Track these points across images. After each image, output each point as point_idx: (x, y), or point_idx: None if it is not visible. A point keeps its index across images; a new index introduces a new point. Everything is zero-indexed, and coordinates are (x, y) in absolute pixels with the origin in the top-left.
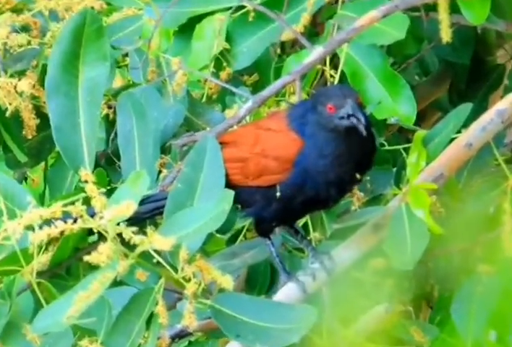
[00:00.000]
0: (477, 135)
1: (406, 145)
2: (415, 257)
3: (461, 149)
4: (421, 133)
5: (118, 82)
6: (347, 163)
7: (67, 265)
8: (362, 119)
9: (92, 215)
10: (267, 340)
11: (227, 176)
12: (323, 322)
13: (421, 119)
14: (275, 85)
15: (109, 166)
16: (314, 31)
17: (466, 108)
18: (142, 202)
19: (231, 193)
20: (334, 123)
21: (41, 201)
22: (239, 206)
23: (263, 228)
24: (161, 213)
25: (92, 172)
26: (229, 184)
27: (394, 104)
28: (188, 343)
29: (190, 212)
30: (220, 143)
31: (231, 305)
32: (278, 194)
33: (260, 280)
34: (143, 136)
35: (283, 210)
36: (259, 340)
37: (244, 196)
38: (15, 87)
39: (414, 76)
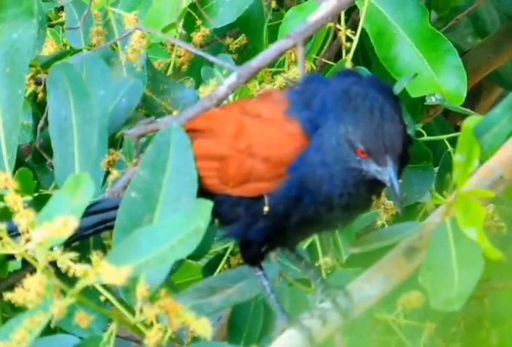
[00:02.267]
0: None
1: (453, 135)
2: (464, 293)
3: None
4: (473, 119)
5: (49, 48)
6: None
7: None
8: (397, 189)
9: (14, 234)
10: None
11: (199, 179)
12: None
13: (474, 99)
14: (268, 52)
15: (37, 164)
16: None
17: None
18: (82, 214)
19: (209, 204)
20: (360, 168)
21: None
22: (216, 221)
23: (251, 254)
24: (110, 228)
25: (14, 173)
26: (202, 190)
27: (436, 77)
28: None
29: (151, 231)
30: (191, 130)
31: None
32: (265, 208)
33: (249, 325)
34: (85, 124)
35: (275, 230)
36: None
37: (223, 209)
38: None
39: (466, 37)
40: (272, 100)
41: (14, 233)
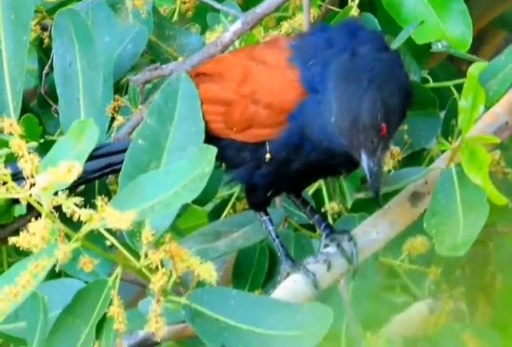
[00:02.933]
0: None
1: (459, 81)
2: (469, 239)
3: None
4: (478, 66)
5: None
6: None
7: None
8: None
9: (18, 178)
10: None
11: (205, 123)
12: (342, 326)
13: (478, 43)
14: None
15: (43, 110)
16: None
17: None
18: (88, 157)
19: (213, 150)
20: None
21: None
22: (223, 165)
23: (256, 199)
24: (115, 172)
25: (19, 119)
26: (209, 135)
27: (441, 23)
28: None
29: (156, 176)
30: (200, 74)
31: (213, 304)
32: (267, 155)
33: (254, 270)
34: (90, 70)
35: (278, 175)
36: None
37: (228, 153)
38: None
39: None
40: (278, 47)
41: (18, 176)
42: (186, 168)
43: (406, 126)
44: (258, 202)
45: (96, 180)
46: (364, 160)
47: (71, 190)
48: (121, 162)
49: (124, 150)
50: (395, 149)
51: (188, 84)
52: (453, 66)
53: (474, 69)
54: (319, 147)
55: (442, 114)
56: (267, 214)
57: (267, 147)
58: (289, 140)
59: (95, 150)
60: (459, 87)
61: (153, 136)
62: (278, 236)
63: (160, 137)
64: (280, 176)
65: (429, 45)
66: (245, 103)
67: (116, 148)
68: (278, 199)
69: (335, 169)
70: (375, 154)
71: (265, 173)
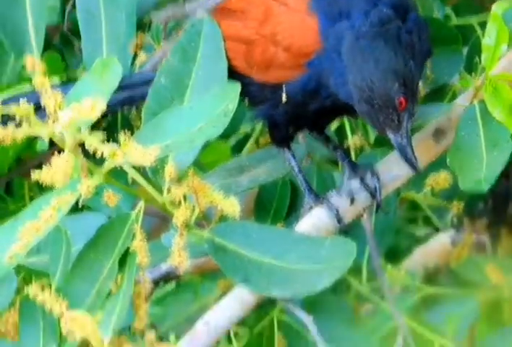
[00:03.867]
0: None
1: (481, 18)
2: (492, 174)
3: None
4: (501, 4)
5: None
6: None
7: (7, 182)
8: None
9: (43, 117)
10: (287, 285)
11: (228, 60)
12: (364, 259)
13: None
14: None
15: (65, 47)
16: None
17: None
18: None
19: (237, 87)
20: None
21: None
22: (247, 101)
23: (278, 134)
24: (136, 104)
25: (42, 56)
26: (232, 72)
27: None
28: (176, 286)
29: (180, 112)
30: (224, 9)
31: (236, 238)
32: (284, 98)
33: (276, 204)
34: (112, 8)
35: (296, 115)
36: (277, 286)
37: (251, 90)
38: None
39: None
40: None
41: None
42: (210, 104)
43: (428, 63)
44: (280, 137)
45: (118, 112)
46: (392, 139)
47: (94, 125)
48: (143, 95)
49: (146, 83)
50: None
51: (211, 26)
52: (476, 2)
53: (498, 8)
54: (334, 95)
55: (465, 51)
56: (290, 149)
57: (284, 89)
58: (306, 85)
59: None
60: (483, 24)
61: (176, 74)
62: (301, 171)
63: (183, 76)
64: (298, 115)
65: None
66: (266, 43)
67: (137, 80)
68: (300, 135)
69: (352, 111)
70: (400, 129)
71: (283, 112)
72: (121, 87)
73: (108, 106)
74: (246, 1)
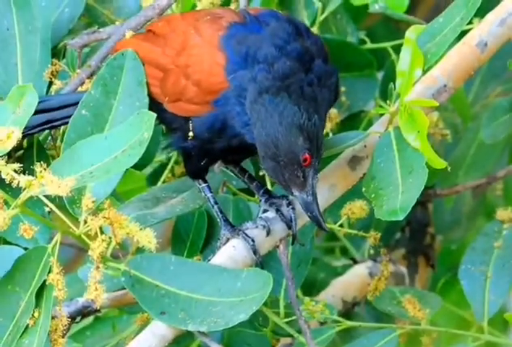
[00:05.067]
0: (494, 31)
1: (396, 42)
2: (408, 203)
3: (471, 50)
4: (416, 28)
5: None
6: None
7: None
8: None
9: None
10: (204, 319)
11: (147, 85)
12: (281, 291)
13: (416, 1)
14: None
15: None
16: None
17: None
18: None
19: (152, 116)
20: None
21: None
22: (163, 127)
23: (192, 166)
24: (54, 127)
25: None
26: (150, 97)
27: None
28: (93, 320)
29: (95, 142)
30: (150, 31)
31: (153, 270)
32: (190, 133)
33: (193, 235)
34: (27, 35)
35: (203, 150)
36: (193, 320)
37: (166, 117)
38: None
39: None
40: (219, 23)
41: None
42: (125, 133)
43: (343, 88)
44: (194, 169)
45: (34, 135)
46: (298, 196)
47: (10, 154)
48: (61, 118)
49: (65, 106)
50: (333, 111)
51: (134, 61)
52: (391, 24)
53: (412, 32)
54: (241, 135)
55: (380, 75)
56: (205, 181)
57: (191, 124)
58: (212, 123)
59: None
60: (397, 47)
61: (97, 108)
62: (216, 202)
63: (103, 109)
64: (207, 150)
65: (366, 6)
66: (178, 74)
67: (55, 103)
68: (216, 165)
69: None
70: (306, 186)
71: (192, 146)
72: (38, 111)
73: (27, 130)
74: (170, 27)
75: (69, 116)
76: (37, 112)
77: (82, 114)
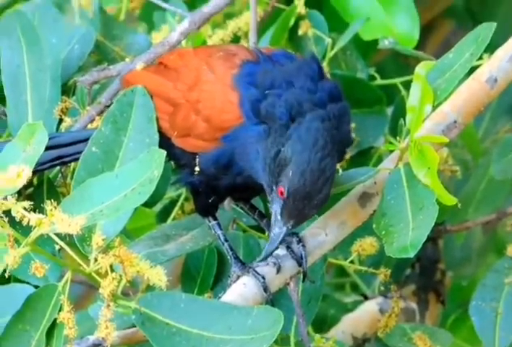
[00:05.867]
0: (504, 67)
1: (406, 78)
2: (419, 240)
3: (481, 86)
4: (425, 64)
5: None
6: None
7: None
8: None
9: None
10: None
11: (157, 119)
12: (291, 328)
13: (426, 34)
14: None
15: None
16: None
17: (489, 27)
18: None
19: (162, 153)
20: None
21: None
22: (172, 163)
23: (201, 203)
24: (64, 164)
25: None
26: (160, 132)
27: (387, 19)
28: None
29: (105, 180)
30: (163, 64)
31: (163, 308)
32: (197, 168)
33: (203, 273)
34: (37, 72)
35: (211, 187)
36: None
37: (175, 152)
38: None
39: None
40: (232, 61)
41: None
42: (135, 171)
43: (353, 124)
44: (203, 207)
45: (45, 171)
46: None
47: (20, 191)
48: (71, 154)
49: (75, 142)
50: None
51: (144, 97)
52: (401, 60)
53: (421, 68)
54: (246, 172)
55: (390, 111)
56: (215, 218)
57: (197, 160)
58: (219, 159)
59: None
60: (407, 83)
61: (107, 145)
62: (226, 240)
63: (113, 146)
64: (213, 187)
65: (375, 42)
66: (189, 109)
67: (65, 140)
68: (225, 202)
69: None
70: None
71: (200, 182)
72: (49, 147)
73: (37, 166)
74: (183, 61)
75: (80, 152)
76: (47, 148)
77: (93, 151)
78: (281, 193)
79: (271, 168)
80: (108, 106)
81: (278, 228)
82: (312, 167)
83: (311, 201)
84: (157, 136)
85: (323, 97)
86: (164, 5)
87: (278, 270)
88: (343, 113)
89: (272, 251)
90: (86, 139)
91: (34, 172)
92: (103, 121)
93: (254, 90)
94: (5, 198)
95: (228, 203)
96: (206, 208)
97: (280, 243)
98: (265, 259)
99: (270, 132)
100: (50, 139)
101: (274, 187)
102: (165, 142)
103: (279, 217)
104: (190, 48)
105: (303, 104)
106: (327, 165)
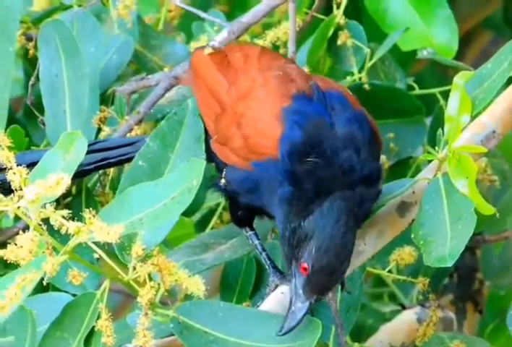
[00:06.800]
0: None
1: (444, 88)
2: (457, 249)
3: None
4: (464, 74)
5: (41, 4)
6: None
7: None
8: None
9: (6, 190)
10: None
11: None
12: (330, 337)
13: (465, 44)
14: (259, 8)
15: (29, 121)
16: None
17: None
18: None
19: (202, 163)
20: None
21: None
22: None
23: (237, 214)
24: (109, 166)
25: (6, 130)
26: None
27: (426, 29)
28: None
29: (145, 189)
30: (223, 56)
31: (201, 317)
32: (222, 180)
33: (242, 281)
34: (76, 81)
35: (235, 200)
36: None
37: (215, 157)
38: None
39: None
40: (287, 86)
41: (5, 186)
42: (175, 181)
43: (392, 134)
44: (240, 218)
45: (90, 173)
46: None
47: (59, 200)
48: (116, 156)
49: (120, 146)
50: (382, 157)
51: (194, 117)
52: (439, 70)
53: (460, 78)
54: (265, 207)
55: (428, 121)
56: (252, 229)
57: (225, 171)
58: (244, 181)
59: (90, 144)
60: (446, 93)
61: (154, 160)
62: (264, 249)
63: (160, 162)
64: (235, 199)
65: (414, 52)
66: (232, 120)
67: (111, 144)
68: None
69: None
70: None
71: (225, 191)
72: (95, 151)
73: (83, 166)
74: (245, 65)
75: (123, 155)
76: (92, 151)
77: (139, 165)
78: (304, 269)
79: (290, 242)
80: (147, 116)
81: (301, 303)
82: (336, 243)
83: (333, 275)
84: (204, 156)
85: (355, 180)
86: (203, 15)
87: None
88: (371, 198)
89: (294, 327)
90: (129, 144)
91: (78, 175)
92: (152, 136)
93: (299, 133)
94: (44, 206)
95: None
96: (242, 219)
97: (302, 319)
98: (285, 334)
99: (294, 198)
100: (94, 143)
101: (294, 262)
102: (208, 140)
103: (301, 291)
104: (258, 47)
105: (335, 183)
106: (349, 240)
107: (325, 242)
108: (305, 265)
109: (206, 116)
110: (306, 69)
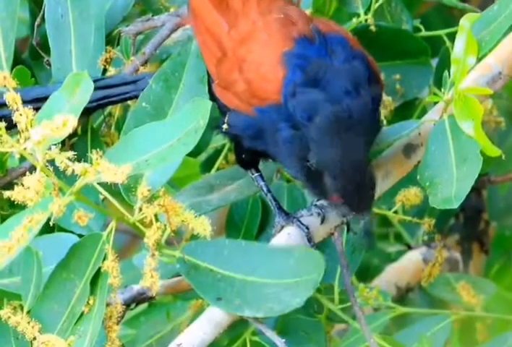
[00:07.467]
0: None
1: (451, 30)
2: (463, 191)
3: None
4: (470, 16)
5: None
6: None
7: None
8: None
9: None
10: (260, 304)
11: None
12: (335, 277)
13: None
14: None
15: (34, 61)
16: None
17: None
18: None
19: (208, 103)
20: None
21: None
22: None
23: (242, 157)
24: (111, 103)
25: (11, 70)
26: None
27: None
28: (148, 306)
29: (151, 129)
30: None
31: (207, 256)
32: (224, 126)
33: (247, 222)
34: (81, 22)
35: (239, 143)
36: (249, 305)
37: (217, 100)
38: None
39: None
40: (289, 30)
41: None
42: (181, 121)
43: (398, 76)
44: (245, 160)
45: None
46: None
47: (64, 141)
48: (118, 94)
49: (122, 84)
50: (387, 98)
51: (196, 59)
52: (445, 12)
53: (466, 20)
54: (269, 153)
55: (434, 63)
56: (257, 170)
57: (227, 117)
58: (247, 128)
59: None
60: (452, 35)
61: (157, 101)
62: (270, 191)
63: (163, 103)
64: (240, 144)
65: None
66: (234, 64)
67: (114, 82)
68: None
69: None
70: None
71: (228, 134)
72: (97, 88)
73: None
74: (244, 7)
75: (126, 93)
76: (95, 89)
77: (143, 106)
78: (337, 200)
79: (307, 183)
80: (152, 57)
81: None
82: (348, 165)
83: (364, 187)
84: (207, 96)
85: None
86: None
87: (323, 220)
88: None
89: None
90: (131, 82)
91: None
92: (154, 78)
93: (301, 76)
94: (49, 148)
95: None
96: (247, 161)
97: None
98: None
99: (298, 141)
100: (96, 81)
101: (325, 199)
102: (210, 83)
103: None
104: None
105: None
106: (358, 154)
107: (337, 170)
108: (335, 198)
109: (207, 60)
110: (308, 11)
